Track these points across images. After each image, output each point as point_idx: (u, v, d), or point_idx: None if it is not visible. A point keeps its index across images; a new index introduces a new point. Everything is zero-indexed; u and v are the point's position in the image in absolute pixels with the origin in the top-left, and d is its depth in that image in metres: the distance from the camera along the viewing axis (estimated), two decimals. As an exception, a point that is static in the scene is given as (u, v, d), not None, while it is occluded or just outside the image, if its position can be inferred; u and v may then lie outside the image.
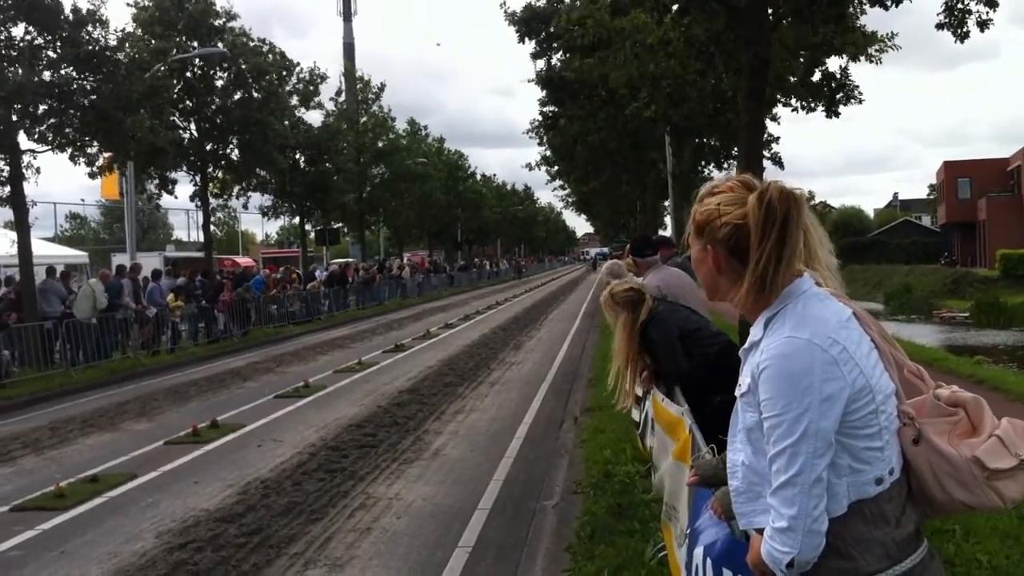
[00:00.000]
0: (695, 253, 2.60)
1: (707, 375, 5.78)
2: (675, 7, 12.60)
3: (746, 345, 2.52)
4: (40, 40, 20.13)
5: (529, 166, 37.75)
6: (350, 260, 53.93)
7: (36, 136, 20.31)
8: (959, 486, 2.40)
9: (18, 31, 20.08)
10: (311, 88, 37.46)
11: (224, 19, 31.67)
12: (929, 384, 2.55)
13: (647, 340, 6.21)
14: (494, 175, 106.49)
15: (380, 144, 52.37)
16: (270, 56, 34.14)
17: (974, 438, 2.43)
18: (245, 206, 36.82)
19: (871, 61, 16.50)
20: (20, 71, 18.96)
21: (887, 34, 17.17)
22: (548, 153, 36.24)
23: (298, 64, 36.62)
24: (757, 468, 2.44)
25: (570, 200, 64.74)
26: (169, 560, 7.22)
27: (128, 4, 29.98)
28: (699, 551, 3.12)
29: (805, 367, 2.29)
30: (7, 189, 19.99)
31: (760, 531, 2.44)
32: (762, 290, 2.40)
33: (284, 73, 35.19)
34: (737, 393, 2.50)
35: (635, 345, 6.22)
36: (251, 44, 33.14)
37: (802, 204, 2.41)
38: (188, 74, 30.10)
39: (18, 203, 20.09)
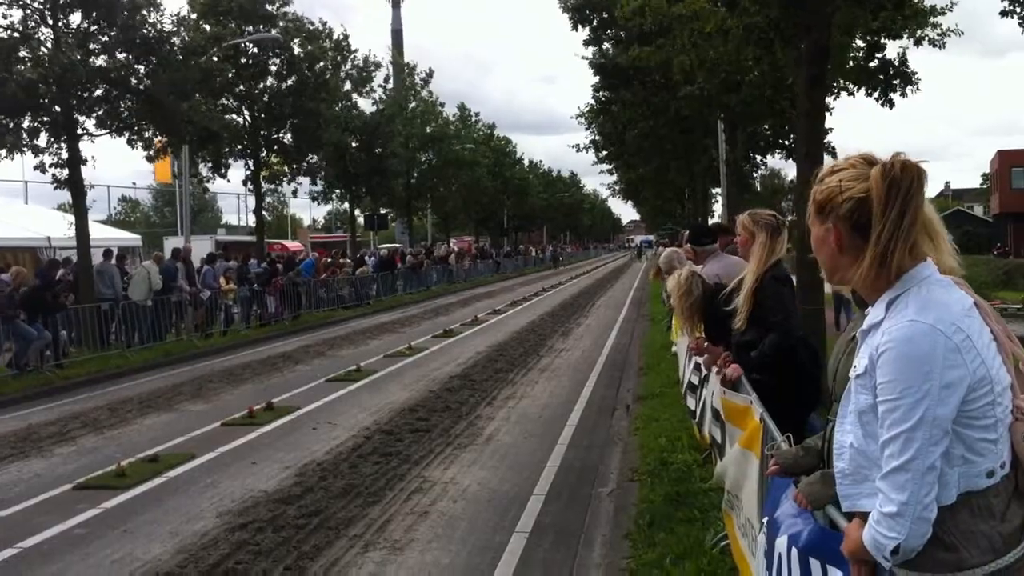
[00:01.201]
0: (816, 234, 2.57)
1: (781, 357, 5.70)
2: None
3: (864, 326, 2.49)
4: (95, 27, 20.38)
5: (577, 147, 37.51)
6: (397, 245, 54.17)
7: (94, 121, 20.58)
8: None
9: (75, 18, 20.37)
10: (365, 75, 37.72)
11: (278, 4, 31.91)
12: None
13: (760, 286, 5.90)
14: (540, 161, 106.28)
15: (428, 130, 52.56)
16: (328, 41, 34.44)
17: None
18: (295, 193, 36.92)
19: (934, 45, 16.18)
20: (77, 56, 19.17)
21: (946, 5, 16.81)
22: (597, 138, 36.03)
23: (356, 50, 36.99)
24: (866, 451, 2.41)
25: (617, 187, 64.35)
26: (231, 540, 7.32)
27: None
28: (782, 541, 3.08)
29: (928, 352, 2.26)
30: (65, 172, 20.28)
31: (860, 516, 2.42)
32: (883, 264, 2.38)
33: (339, 59, 35.50)
34: (852, 374, 2.48)
35: (760, 270, 5.90)
36: (310, 27, 33.43)
37: (925, 179, 2.39)
38: (242, 60, 30.35)
39: (76, 187, 20.39)
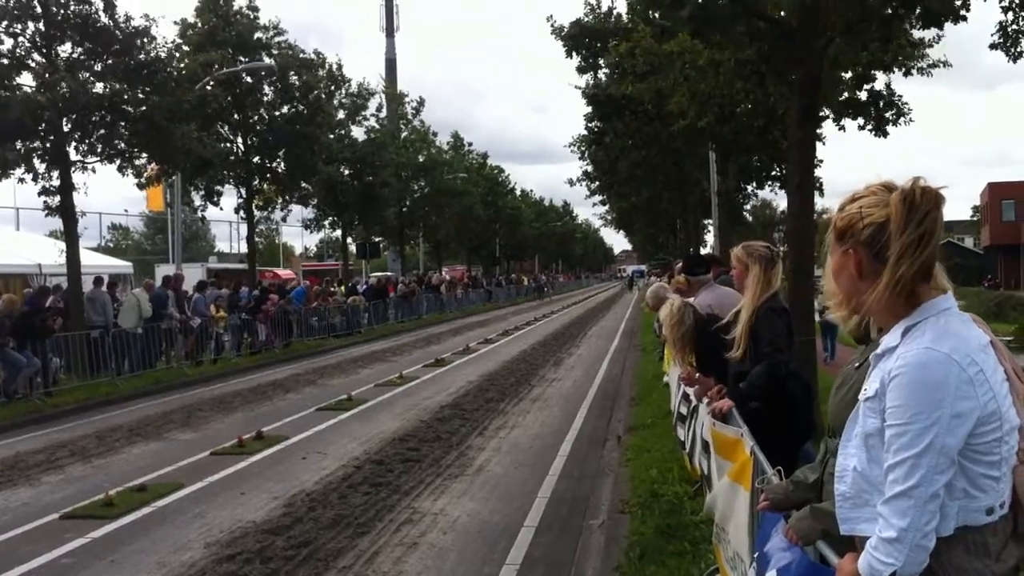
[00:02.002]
0: (835, 260, 2.58)
1: (774, 384, 5.70)
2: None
3: (878, 351, 2.48)
4: (89, 55, 20.45)
5: (571, 181, 37.71)
6: (389, 274, 54.16)
7: (87, 147, 20.57)
8: None
9: (66, 47, 20.45)
10: (359, 103, 37.89)
11: (272, 33, 32.09)
12: None
13: (756, 318, 5.94)
14: (532, 191, 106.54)
15: (420, 159, 52.71)
16: (321, 71, 34.62)
17: None
18: (284, 219, 36.71)
19: (922, 74, 16.38)
20: (72, 84, 19.20)
21: (934, 38, 17.03)
22: (590, 168, 36.21)
23: (349, 80, 37.20)
24: (869, 476, 2.41)
25: (609, 217, 64.59)
26: (218, 571, 7.25)
27: (176, 23, 30.50)
28: (771, 575, 3.07)
29: (941, 380, 2.26)
30: (56, 199, 20.26)
31: (853, 552, 2.41)
32: (899, 286, 2.38)
33: (333, 88, 35.66)
34: (862, 397, 2.47)
35: (756, 302, 5.94)
36: (303, 55, 33.61)
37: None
38: (236, 89, 30.47)
39: (68, 214, 20.36)
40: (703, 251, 34.89)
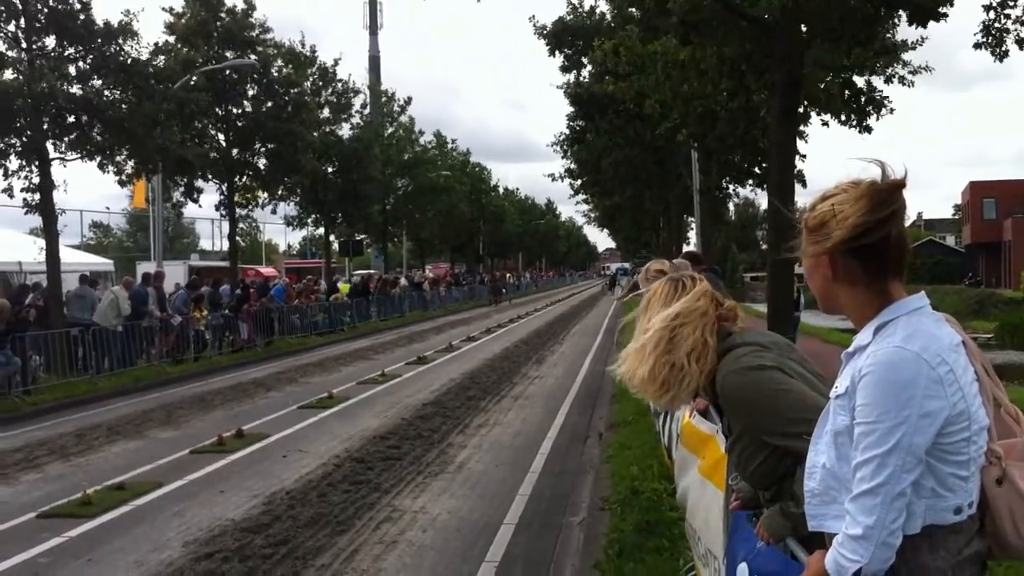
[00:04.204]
0: (808, 261, 2.54)
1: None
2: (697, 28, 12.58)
3: (850, 348, 2.48)
4: (71, 51, 20.34)
5: (552, 177, 37.74)
6: (372, 272, 54.09)
7: (65, 144, 20.44)
8: None
9: (49, 41, 20.31)
10: (344, 101, 37.82)
11: (259, 31, 31.97)
12: None
13: None
14: (516, 189, 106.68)
15: (405, 157, 52.68)
16: (312, 68, 34.60)
17: None
18: (274, 211, 36.31)
19: (903, 82, 16.54)
20: (50, 80, 19.05)
21: (917, 40, 17.17)
22: (572, 166, 36.26)
23: (340, 80, 37.20)
24: (838, 473, 2.41)
25: (592, 215, 64.68)
26: (196, 570, 7.23)
27: (164, 9, 30.23)
28: (743, 568, 3.09)
29: (910, 379, 2.26)
30: (36, 197, 20.11)
31: (820, 550, 2.42)
32: (871, 283, 2.39)
33: (321, 84, 35.59)
34: (832, 395, 2.48)
35: None
36: (299, 49, 33.64)
37: (904, 187, 2.40)
38: (220, 83, 30.31)
39: (47, 212, 20.20)
40: (685, 248, 34.92)
